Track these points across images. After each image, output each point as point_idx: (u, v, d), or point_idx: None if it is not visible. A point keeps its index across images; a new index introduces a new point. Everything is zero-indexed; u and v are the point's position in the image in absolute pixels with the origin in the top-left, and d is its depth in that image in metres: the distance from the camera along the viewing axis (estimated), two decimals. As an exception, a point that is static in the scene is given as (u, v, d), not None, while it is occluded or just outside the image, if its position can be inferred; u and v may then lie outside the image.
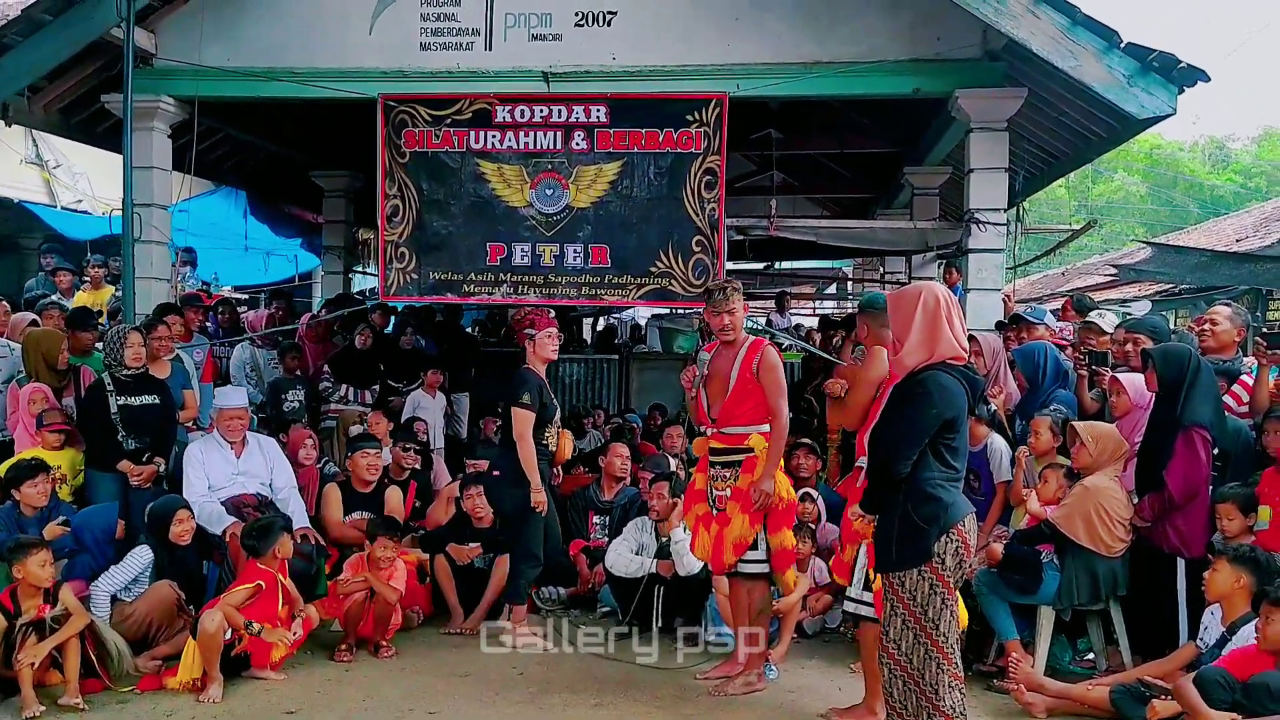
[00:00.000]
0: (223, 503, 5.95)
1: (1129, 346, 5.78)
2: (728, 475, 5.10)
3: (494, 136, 7.64)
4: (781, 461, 5.22)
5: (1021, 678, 4.83)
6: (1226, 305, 5.78)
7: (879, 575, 4.19)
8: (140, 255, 7.56)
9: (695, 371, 5.24)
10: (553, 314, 6.34)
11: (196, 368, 7.32)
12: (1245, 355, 5.80)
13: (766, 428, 5.08)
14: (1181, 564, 4.99)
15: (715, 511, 5.12)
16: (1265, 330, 5.39)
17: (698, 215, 7.51)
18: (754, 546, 5.07)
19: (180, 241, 9.29)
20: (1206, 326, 5.63)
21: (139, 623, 5.21)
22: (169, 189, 8.19)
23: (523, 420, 5.72)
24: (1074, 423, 5.39)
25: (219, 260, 13.56)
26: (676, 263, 7.54)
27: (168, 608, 5.27)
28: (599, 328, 15.54)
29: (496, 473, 5.92)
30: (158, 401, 6.29)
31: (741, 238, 8.38)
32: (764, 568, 5.11)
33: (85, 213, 13.73)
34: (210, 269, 13.50)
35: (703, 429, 5.26)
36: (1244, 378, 5.50)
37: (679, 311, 12.40)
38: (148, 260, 7.78)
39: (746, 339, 5.18)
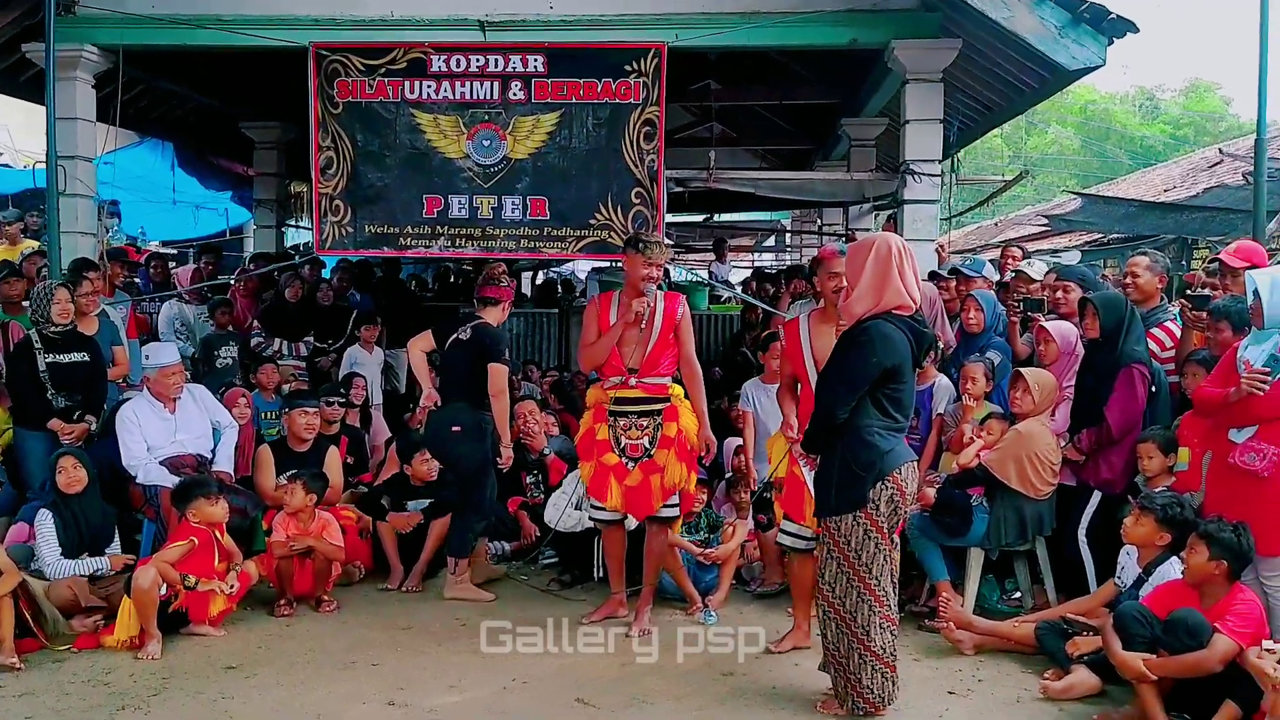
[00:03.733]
0: (161, 462, 5.85)
1: (1059, 294, 5.92)
2: (645, 424, 5.18)
3: (429, 86, 7.52)
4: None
5: (951, 616, 4.97)
6: (1144, 255, 5.92)
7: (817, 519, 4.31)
8: (65, 209, 7.37)
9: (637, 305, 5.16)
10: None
11: (122, 323, 7.17)
12: (1169, 302, 5.98)
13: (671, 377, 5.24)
14: (1096, 498, 5.18)
15: (629, 461, 5.18)
16: (1190, 292, 5.57)
17: (637, 167, 7.48)
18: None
19: (105, 195, 9.05)
20: (1129, 279, 5.78)
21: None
22: (94, 141, 7.96)
23: (503, 375, 5.79)
24: (1021, 370, 5.50)
25: (145, 214, 13.24)
26: (616, 215, 7.52)
27: (70, 603, 5.11)
28: (538, 282, 15.47)
29: (456, 429, 5.80)
30: (87, 359, 6.17)
31: (681, 189, 8.39)
32: (676, 511, 5.32)
33: (6, 166, 13.32)
34: (136, 223, 13.18)
35: (613, 378, 5.22)
36: (1168, 324, 5.66)
37: (619, 265, 12.36)
38: (72, 214, 7.59)
39: (661, 291, 5.24)
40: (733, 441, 6.79)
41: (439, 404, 5.91)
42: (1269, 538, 4.19)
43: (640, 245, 5.20)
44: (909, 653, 4.80)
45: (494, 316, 6.00)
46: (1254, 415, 4.28)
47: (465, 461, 5.86)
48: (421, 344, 6.06)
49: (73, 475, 5.30)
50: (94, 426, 6.11)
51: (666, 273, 11.34)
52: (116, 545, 5.44)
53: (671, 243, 13.86)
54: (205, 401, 6.23)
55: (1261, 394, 4.21)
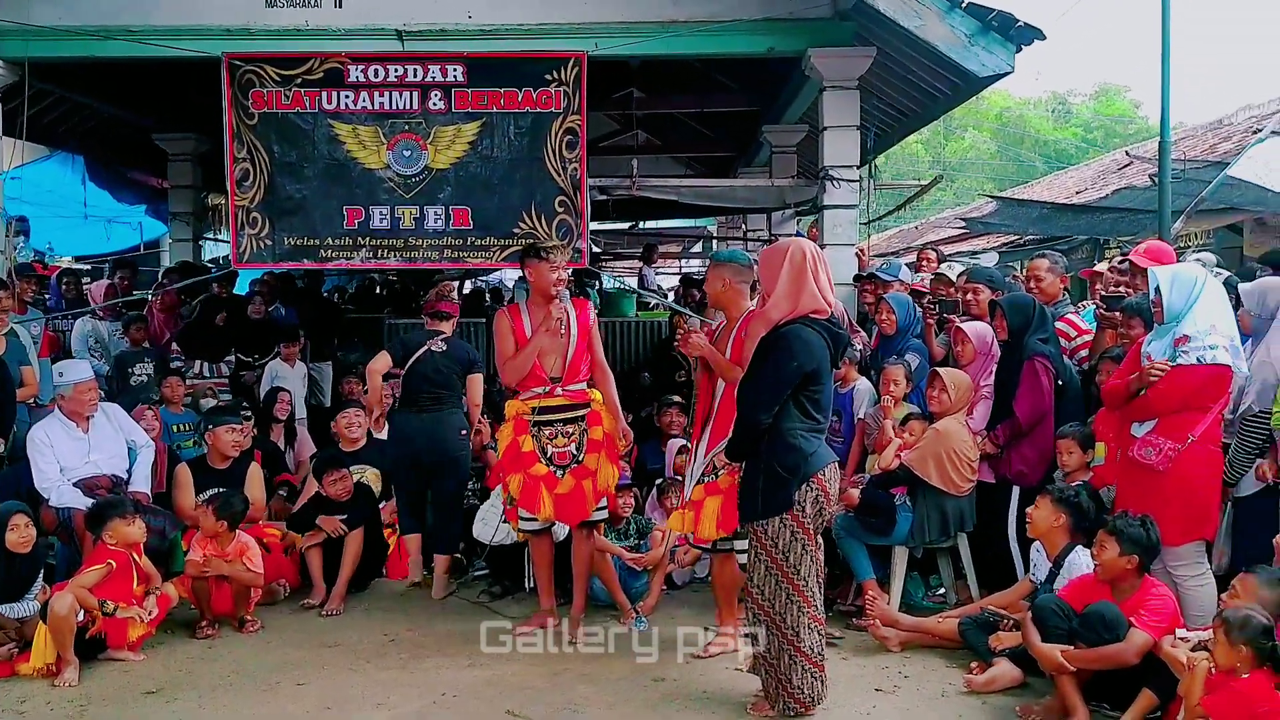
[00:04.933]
0: (75, 484, 5.69)
1: (969, 295, 6.06)
2: (571, 431, 5.22)
3: (347, 97, 7.44)
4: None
5: (878, 614, 5.05)
6: (1043, 258, 6.13)
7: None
8: (-30, 226, 7.15)
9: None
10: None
11: (34, 341, 6.96)
12: (1071, 301, 6.18)
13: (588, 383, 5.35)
14: (1016, 494, 5.32)
15: (558, 470, 5.19)
16: (1106, 294, 5.78)
17: (560, 175, 7.49)
18: None
19: (13, 211, 8.79)
20: (1032, 283, 5.97)
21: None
22: (0, 156, 7.72)
23: (481, 385, 6.36)
24: (938, 370, 5.63)
25: (54, 229, 12.89)
26: (540, 224, 7.52)
27: None
28: (465, 291, 15.37)
29: (464, 432, 6.31)
30: (-8, 379, 5.99)
31: (605, 198, 8.43)
32: (605, 514, 5.40)
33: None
34: (45, 238, 12.82)
35: (535, 389, 5.22)
36: (1070, 316, 5.85)
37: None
38: (-22, 231, 7.37)
39: (567, 298, 5.32)
40: (675, 443, 6.84)
41: (422, 411, 6.16)
42: (1169, 530, 4.33)
43: (541, 253, 5.24)
44: (836, 651, 4.86)
45: (449, 329, 6.37)
46: (1152, 410, 4.43)
47: (464, 461, 6.32)
48: (381, 365, 6.19)
49: (24, 534, 5.07)
50: (1, 448, 5.92)
51: (598, 278, 11.37)
52: (39, 583, 5.25)
53: (599, 249, 13.88)
54: (120, 420, 6.08)
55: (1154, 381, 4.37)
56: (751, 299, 4.68)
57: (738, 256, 4.84)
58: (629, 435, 5.51)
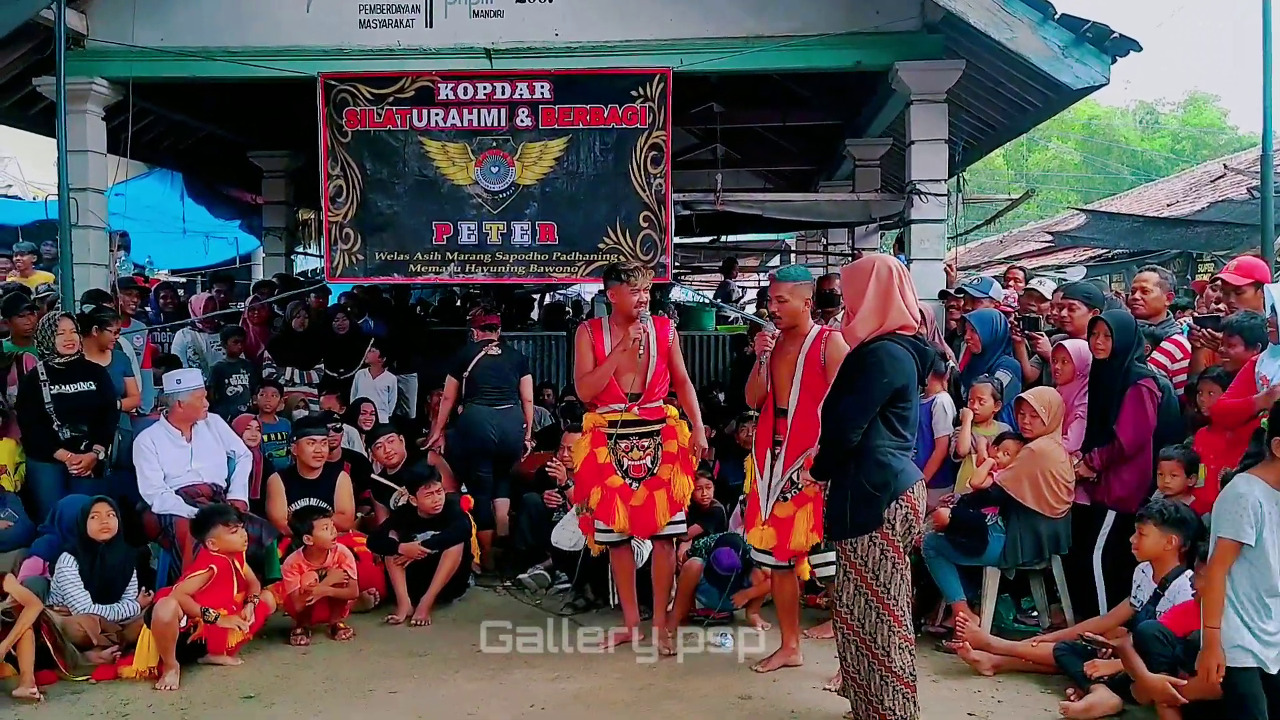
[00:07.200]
0: (177, 491, 5.85)
1: (1065, 312, 5.93)
2: (646, 445, 5.30)
3: (437, 114, 7.57)
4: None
5: (969, 637, 4.96)
6: (1153, 271, 5.97)
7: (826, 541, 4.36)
8: (77, 241, 7.42)
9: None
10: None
11: (137, 353, 7.20)
12: (1174, 317, 6.01)
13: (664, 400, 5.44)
14: (1110, 518, 5.18)
15: (633, 482, 5.26)
16: (1197, 314, 5.62)
17: (644, 190, 7.53)
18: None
19: (116, 225, 9.11)
20: (1138, 294, 5.81)
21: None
22: (104, 173, 8.02)
23: (531, 386, 7.36)
24: (1023, 395, 5.51)
25: (154, 243, 13.31)
26: (624, 238, 7.56)
27: (83, 639, 5.08)
28: (545, 303, 15.50)
29: (525, 425, 7.19)
30: (94, 388, 6.18)
31: (688, 212, 8.42)
32: (682, 529, 5.45)
33: (16, 198, 13.41)
34: (145, 252, 13.25)
35: (613, 405, 5.31)
36: (1176, 337, 5.68)
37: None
38: (85, 245, 7.63)
39: (648, 317, 5.34)
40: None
41: (488, 404, 7.05)
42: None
43: (623, 276, 5.29)
44: (927, 674, 4.78)
45: (495, 337, 7.27)
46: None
47: (520, 453, 7.17)
48: (451, 392, 7.24)
49: (105, 522, 5.30)
50: (102, 455, 6.12)
51: (666, 292, 11.38)
52: (134, 584, 5.43)
53: (678, 264, 13.89)
54: (220, 430, 6.25)
55: None
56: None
57: (807, 274, 4.98)
58: (702, 451, 5.55)
